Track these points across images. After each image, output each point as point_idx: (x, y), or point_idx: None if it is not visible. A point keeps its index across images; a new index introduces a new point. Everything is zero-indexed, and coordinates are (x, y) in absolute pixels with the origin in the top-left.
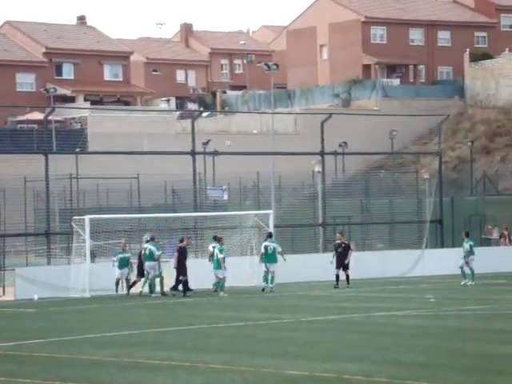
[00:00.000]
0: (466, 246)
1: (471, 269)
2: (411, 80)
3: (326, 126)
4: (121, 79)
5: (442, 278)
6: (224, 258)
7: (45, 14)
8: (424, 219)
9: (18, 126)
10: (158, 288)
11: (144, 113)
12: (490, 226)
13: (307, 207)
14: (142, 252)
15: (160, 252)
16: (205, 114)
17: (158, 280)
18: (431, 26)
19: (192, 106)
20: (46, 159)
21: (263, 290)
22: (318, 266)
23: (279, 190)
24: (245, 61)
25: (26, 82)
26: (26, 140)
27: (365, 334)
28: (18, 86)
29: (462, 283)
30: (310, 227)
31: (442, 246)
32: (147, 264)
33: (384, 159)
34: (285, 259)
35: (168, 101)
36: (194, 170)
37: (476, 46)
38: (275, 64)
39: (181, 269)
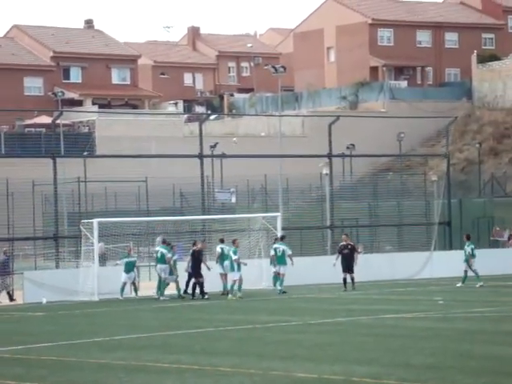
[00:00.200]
0: (468, 249)
1: (474, 271)
2: (419, 82)
3: (333, 128)
4: (128, 83)
5: (451, 280)
6: (239, 259)
7: (52, 17)
8: (432, 221)
9: (26, 129)
10: (167, 291)
11: (152, 116)
12: (498, 228)
13: (315, 210)
14: (154, 255)
15: (171, 255)
16: (212, 117)
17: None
18: (438, 28)
19: (199, 109)
20: (54, 163)
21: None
22: (326, 269)
23: (287, 192)
24: (252, 63)
25: (33, 85)
26: (34, 144)
27: (373, 336)
28: (26, 90)
29: (458, 285)
30: (318, 229)
31: (451, 248)
32: (159, 266)
33: (392, 161)
34: (292, 263)
35: (176, 104)
36: (202, 173)
37: (483, 47)
38: (282, 66)
39: (196, 272)
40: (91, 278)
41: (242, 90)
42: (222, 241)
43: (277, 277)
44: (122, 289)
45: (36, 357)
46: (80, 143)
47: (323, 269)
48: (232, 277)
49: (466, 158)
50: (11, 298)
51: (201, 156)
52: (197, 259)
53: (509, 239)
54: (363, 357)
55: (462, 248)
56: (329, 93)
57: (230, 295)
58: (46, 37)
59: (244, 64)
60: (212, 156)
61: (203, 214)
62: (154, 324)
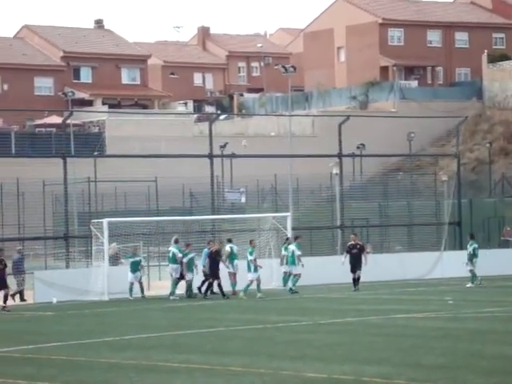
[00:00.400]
0: (470, 249)
1: (471, 271)
2: (429, 82)
3: (343, 128)
4: (138, 83)
5: (461, 280)
6: (255, 260)
7: (62, 18)
8: (442, 221)
9: (37, 129)
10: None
11: (161, 116)
12: (508, 228)
13: (325, 209)
14: (169, 255)
15: (182, 255)
16: (222, 117)
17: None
18: (449, 28)
19: (209, 109)
20: (65, 163)
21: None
22: (336, 269)
23: (297, 192)
24: (262, 63)
25: (44, 85)
26: (45, 144)
27: (384, 336)
28: (36, 90)
29: (468, 285)
30: (328, 229)
31: (461, 248)
32: (170, 266)
33: (402, 161)
34: (302, 265)
35: (185, 104)
36: (212, 173)
37: (494, 47)
38: (292, 66)
39: (213, 273)
40: (101, 278)
41: (251, 90)
42: (229, 240)
43: (286, 277)
44: (131, 289)
45: (46, 356)
46: (90, 143)
47: (333, 269)
48: (248, 277)
49: (476, 157)
50: (22, 298)
51: (211, 156)
52: (214, 260)
53: None
54: (373, 357)
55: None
56: (339, 93)
57: (241, 293)
58: (56, 37)
59: (254, 64)
60: (222, 156)
61: (213, 214)
62: (163, 324)
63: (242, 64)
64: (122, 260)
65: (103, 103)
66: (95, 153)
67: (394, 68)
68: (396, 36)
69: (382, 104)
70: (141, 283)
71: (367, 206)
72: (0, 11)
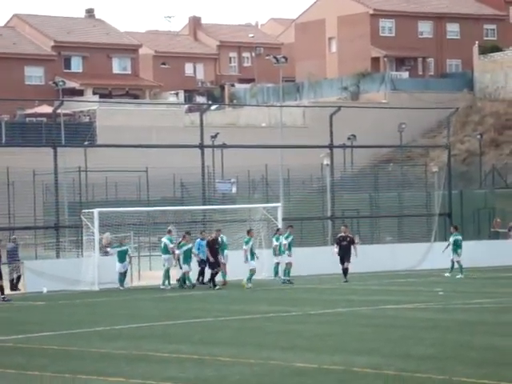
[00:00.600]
0: (451, 240)
1: (452, 261)
2: (420, 73)
3: (334, 118)
4: (129, 72)
5: (456, 271)
6: (248, 250)
7: (53, 7)
8: (433, 212)
9: (27, 119)
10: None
11: (152, 106)
12: (498, 219)
13: (316, 200)
14: (161, 245)
15: (173, 245)
16: (213, 107)
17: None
18: (440, 19)
19: (200, 99)
20: (55, 152)
21: (284, 281)
22: (326, 259)
23: (288, 183)
24: (253, 54)
25: (34, 75)
26: (35, 133)
27: (373, 326)
28: (27, 80)
29: (458, 276)
30: (319, 220)
31: None
32: (163, 257)
33: (393, 152)
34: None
35: (176, 94)
36: (203, 163)
37: (485, 38)
38: (284, 57)
39: (212, 261)
40: (92, 268)
41: (243, 81)
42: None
43: (277, 267)
44: (120, 279)
45: (37, 346)
46: (81, 133)
47: (324, 259)
48: (249, 266)
49: (467, 149)
50: (13, 287)
51: (201, 146)
52: (212, 248)
53: (509, 230)
54: (363, 347)
55: (462, 239)
56: (330, 83)
57: (245, 282)
58: (46, 26)
59: (245, 54)
60: (213, 146)
61: (204, 205)
62: (154, 314)
63: (233, 54)
64: (109, 249)
65: (94, 93)
66: (86, 142)
67: (385, 59)
68: (387, 27)
69: (373, 95)
70: (125, 273)
71: (358, 196)
72: None
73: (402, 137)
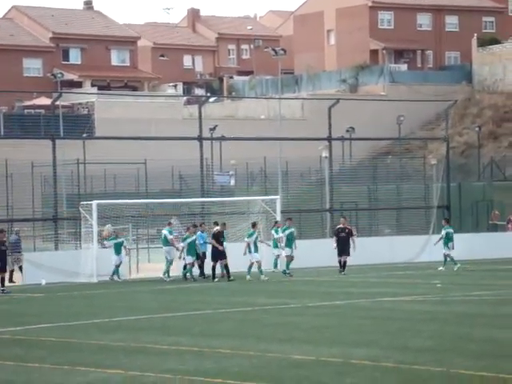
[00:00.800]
0: (443, 232)
1: (444, 255)
2: (419, 65)
3: (333, 111)
4: (128, 64)
5: (449, 264)
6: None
7: None
8: (431, 205)
9: (25, 111)
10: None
11: (151, 98)
12: (497, 212)
13: (314, 193)
14: (162, 237)
15: (172, 236)
16: (212, 100)
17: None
18: (439, 11)
19: (199, 92)
20: (54, 144)
21: (284, 272)
22: (325, 252)
23: (286, 175)
24: (252, 46)
25: (33, 67)
26: (34, 125)
27: (371, 319)
28: (25, 71)
29: (456, 268)
30: (317, 213)
31: None
32: (164, 248)
33: (391, 145)
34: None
35: (175, 86)
36: (201, 156)
37: (484, 31)
38: (282, 49)
39: (218, 253)
40: (91, 260)
41: (241, 73)
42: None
43: (277, 260)
44: (115, 271)
45: (35, 338)
46: (79, 125)
47: (322, 252)
48: (252, 258)
49: (465, 141)
50: (11, 279)
51: (200, 138)
52: (218, 241)
53: (507, 223)
54: (361, 339)
55: (460, 231)
56: (329, 76)
57: (262, 276)
58: (45, 18)
59: (244, 46)
60: (211, 139)
61: (202, 197)
62: (153, 306)
63: (231, 46)
64: (105, 242)
65: (92, 85)
66: (84, 135)
67: (384, 51)
68: (386, 19)
69: (371, 87)
70: (119, 265)
71: (356, 189)
72: None
73: (400, 129)
